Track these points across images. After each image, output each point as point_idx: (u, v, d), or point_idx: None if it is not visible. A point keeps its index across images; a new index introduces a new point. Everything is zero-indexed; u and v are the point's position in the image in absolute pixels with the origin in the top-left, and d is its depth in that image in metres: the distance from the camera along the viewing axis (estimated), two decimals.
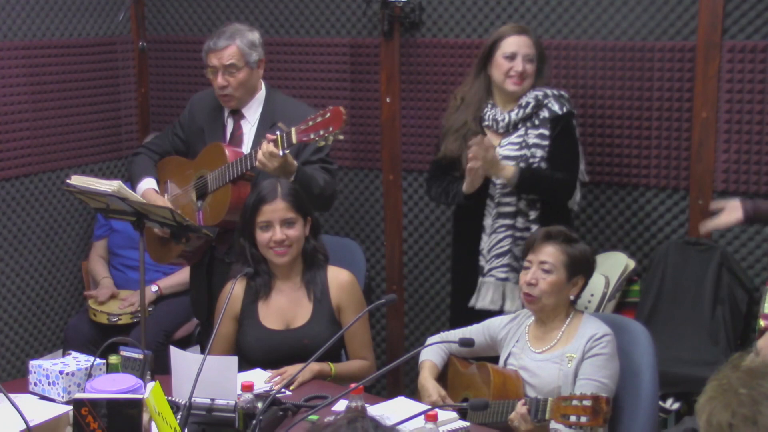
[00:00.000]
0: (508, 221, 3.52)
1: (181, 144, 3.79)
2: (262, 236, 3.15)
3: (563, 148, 3.54)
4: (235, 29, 3.61)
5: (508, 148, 3.53)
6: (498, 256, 3.53)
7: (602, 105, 3.93)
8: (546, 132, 3.51)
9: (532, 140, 3.51)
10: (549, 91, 3.55)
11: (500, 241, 3.53)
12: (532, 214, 3.51)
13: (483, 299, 3.56)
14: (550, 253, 2.92)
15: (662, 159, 3.86)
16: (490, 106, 3.60)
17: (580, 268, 2.93)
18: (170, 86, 4.93)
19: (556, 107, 3.52)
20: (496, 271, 3.54)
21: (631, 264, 3.83)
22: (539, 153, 3.50)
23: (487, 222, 3.56)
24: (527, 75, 3.52)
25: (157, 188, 3.70)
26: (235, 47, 3.56)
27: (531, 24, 4.01)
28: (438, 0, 4.21)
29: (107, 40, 4.79)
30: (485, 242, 3.57)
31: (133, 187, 3.78)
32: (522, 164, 3.47)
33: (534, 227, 3.46)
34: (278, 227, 3.13)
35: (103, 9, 4.76)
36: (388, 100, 4.36)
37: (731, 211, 3.14)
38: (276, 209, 3.14)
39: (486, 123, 3.60)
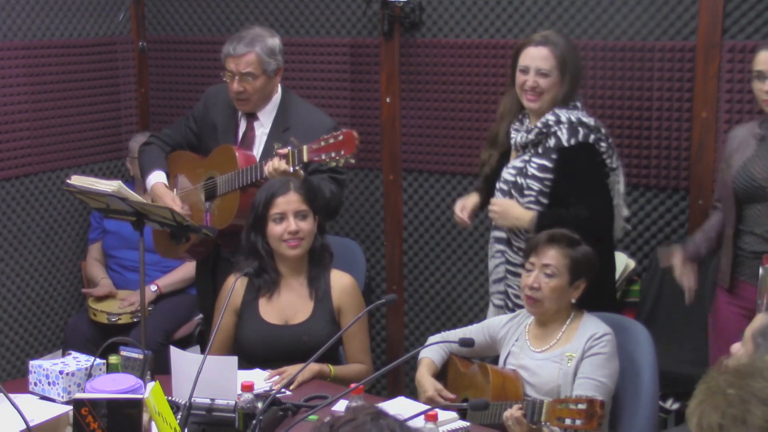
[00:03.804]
0: (501, 247, 3.36)
1: (194, 137, 3.79)
2: (275, 229, 3.16)
3: (574, 183, 3.19)
4: (255, 35, 3.56)
5: (509, 171, 3.29)
6: (495, 281, 3.41)
7: (602, 105, 3.93)
8: (548, 164, 3.19)
9: (531, 170, 3.22)
10: (567, 116, 3.19)
11: (496, 266, 3.40)
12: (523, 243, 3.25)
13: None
14: (552, 257, 2.90)
15: (662, 159, 3.86)
16: (519, 119, 3.34)
17: (582, 271, 2.92)
18: (170, 86, 4.93)
19: (563, 137, 3.18)
20: (494, 297, 3.43)
21: (631, 264, 3.83)
22: (536, 186, 3.20)
23: (490, 243, 3.45)
24: (541, 90, 3.20)
25: (166, 182, 3.70)
26: (254, 55, 3.52)
27: (531, 24, 4.01)
28: (438, 0, 4.21)
29: (107, 40, 4.79)
30: (489, 264, 3.46)
31: (142, 177, 3.78)
32: (515, 194, 3.24)
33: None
34: (292, 218, 3.15)
35: (103, 9, 4.76)
36: (388, 100, 4.36)
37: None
38: (290, 201, 3.16)
39: (511, 138, 3.34)
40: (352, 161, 3.24)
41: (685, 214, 3.85)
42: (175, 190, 3.73)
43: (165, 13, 4.89)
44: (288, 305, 3.21)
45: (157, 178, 3.69)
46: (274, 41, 3.59)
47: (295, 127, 3.53)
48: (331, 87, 4.50)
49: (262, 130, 3.64)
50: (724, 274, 3.28)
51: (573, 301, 2.93)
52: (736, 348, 2.24)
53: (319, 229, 3.25)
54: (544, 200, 3.21)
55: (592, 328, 2.88)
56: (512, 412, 2.62)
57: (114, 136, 4.83)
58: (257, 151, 3.60)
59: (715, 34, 3.69)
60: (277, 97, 3.66)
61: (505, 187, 3.29)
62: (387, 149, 4.41)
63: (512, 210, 3.24)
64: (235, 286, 3.13)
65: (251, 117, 3.66)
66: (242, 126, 3.68)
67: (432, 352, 3.11)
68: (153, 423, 2.31)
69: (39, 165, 4.50)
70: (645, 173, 3.89)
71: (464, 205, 3.52)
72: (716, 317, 3.35)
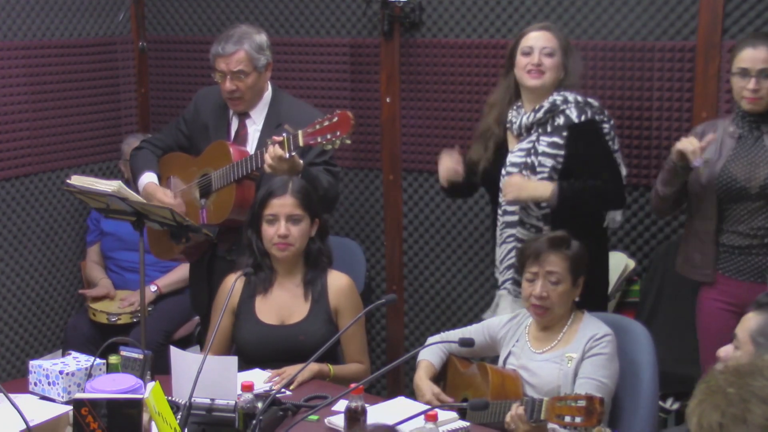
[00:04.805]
0: (512, 230, 3.37)
1: (185, 140, 3.79)
2: (268, 230, 3.16)
3: (587, 158, 3.28)
4: (242, 33, 3.59)
5: (517, 154, 3.34)
6: (508, 268, 3.40)
7: (602, 105, 3.93)
8: (559, 140, 3.28)
9: (541, 148, 3.29)
10: (572, 97, 3.33)
11: (508, 252, 3.39)
12: (539, 222, 3.31)
13: (502, 311, 3.35)
14: (555, 263, 2.90)
15: (662, 159, 3.84)
16: (516, 108, 3.41)
17: (580, 268, 2.94)
18: (170, 86, 4.93)
19: (573, 114, 3.29)
20: (507, 284, 3.41)
21: (631, 264, 3.83)
22: (549, 162, 3.28)
23: (497, 232, 3.44)
24: (546, 68, 3.30)
25: (157, 183, 3.70)
26: (243, 53, 3.54)
27: (531, 24, 4.00)
28: (438, 0, 4.21)
29: (107, 40, 4.79)
30: (497, 253, 3.45)
31: (134, 181, 3.79)
32: (526, 173, 3.28)
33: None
34: (283, 222, 3.14)
35: (103, 9, 4.76)
36: (388, 100, 4.36)
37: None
38: (284, 204, 3.16)
39: (508, 125, 3.41)
40: (348, 142, 3.23)
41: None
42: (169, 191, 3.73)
43: (165, 13, 4.89)
44: (284, 305, 3.20)
45: (148, 179, 3.69)
46: (261, 37, 3.62)
47: (287, 122, 3.54)
48: (331, 87, 4.50)
49: (254, 127, 3.66)
50: (706, 271, 3.29)
51: (577, 299, 2.95)
52: (725, 351, 2.24)
53: (320, 233, 3.25)
54: (557, 177, 3.29)
55: (592, 329, 2.89)
56: (514, 412, 2.61)
57: (114, 136, 4.83)
58: (251, 148, 3.61)
59: (715, 34, 3.68)
60: (268, 94, 3.68)
61: (514, 170, 3.34)
62: (387, 149, 4.41)
63: (529, 183, 3.29)
64: (234, 286, 3.13)
65: (243, 115, 3.67)
66: (234, 124, 3.69)
67: (431, 354, 3.10)
68: (153, 423, 2.31)
69: (39, 165, 4.50)
70: (645, 173, 3.89)
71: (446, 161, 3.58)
72: (701, 315, 3.37)
